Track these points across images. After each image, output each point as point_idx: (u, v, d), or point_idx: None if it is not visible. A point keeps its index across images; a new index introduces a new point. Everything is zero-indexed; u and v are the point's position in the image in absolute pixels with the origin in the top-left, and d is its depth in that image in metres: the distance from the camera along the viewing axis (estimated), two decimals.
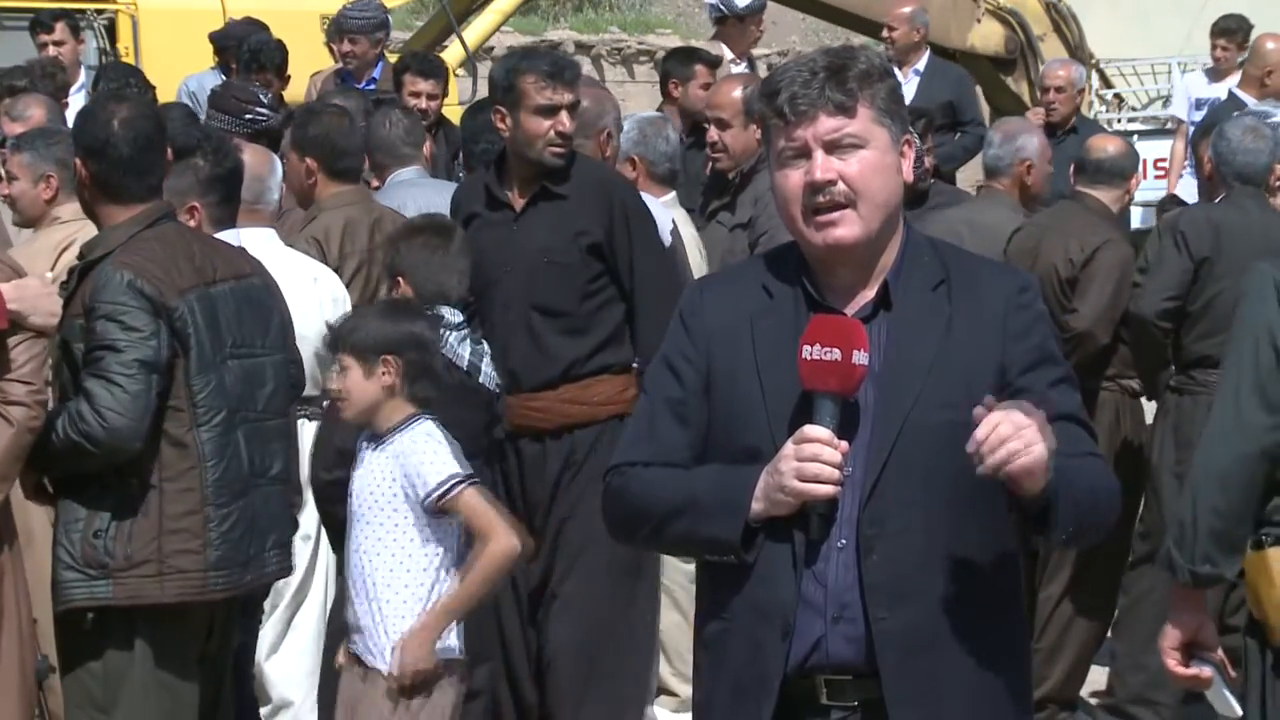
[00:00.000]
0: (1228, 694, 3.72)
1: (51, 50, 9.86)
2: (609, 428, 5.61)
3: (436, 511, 4.59)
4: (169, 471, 4.52)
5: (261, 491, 4.68)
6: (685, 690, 6.72)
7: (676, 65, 9.48)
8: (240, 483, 4.61)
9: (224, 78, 9.50)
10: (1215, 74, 12.09)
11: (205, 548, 4.53)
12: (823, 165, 3.12)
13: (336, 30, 10.04)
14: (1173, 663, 3.70)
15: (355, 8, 9.89)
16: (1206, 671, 3.72)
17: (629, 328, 5.76)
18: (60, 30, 10.10)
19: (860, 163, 3.13)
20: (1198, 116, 11.26)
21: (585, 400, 5.64)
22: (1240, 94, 10.66)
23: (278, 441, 4.76)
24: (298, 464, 5.08)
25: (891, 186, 3.17)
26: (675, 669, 6.71)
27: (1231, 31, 11.95)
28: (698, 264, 6.66)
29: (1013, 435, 2.93)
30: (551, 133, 5.65)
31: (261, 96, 7.82)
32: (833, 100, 3.11)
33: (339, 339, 4.71)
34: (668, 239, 6.54)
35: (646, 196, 6.61)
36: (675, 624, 6.70)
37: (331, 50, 10.65)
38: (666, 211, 6.61)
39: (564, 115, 5.66)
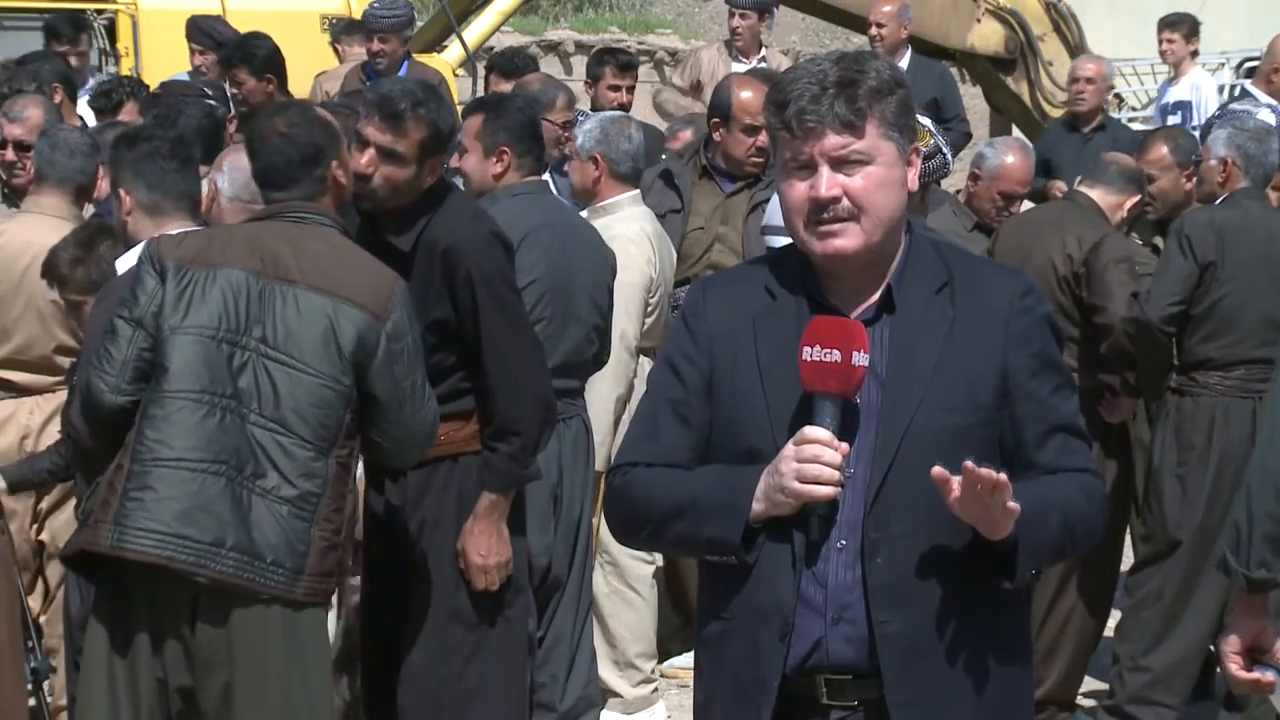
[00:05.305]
0: None
1: (74, 61, 9.89)
2: (440, 468, 5.20)
3: None
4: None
5: (240, 491, 4.41)
6: (631, 692, 6.74)
7: (591, 65, 9.50)
8: (194, 459, 4.39)
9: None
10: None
11: (115, 499, 4.39)
12: (828, 182, 3.11)
13: (364, 29, 10.03)
14: (1234, 667, 3.67)
15: (384, 6, 9.87)
16: (1269, 676, 3.69)
17: (470, 379, 5.20)
18: (84, 41, 10.11)
19: (865, 178, 3.12)
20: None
21: None
22: (1253, 90, 10.69)
23: (288, 461, 4.47)
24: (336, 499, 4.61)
25: (896, 200, 3.17)
26: (621, 671, 6.73)
27: (1175, 24, 11.96)
28: (640, 260, 6.69)
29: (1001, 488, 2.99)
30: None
31: (206, 89, 7.79)
32: (841, 118, 3.10)
33: None
34: (638, 241, 6.65)
35: (617, 199, 6.68)
36: (626, 624, 6.73)
37: (336, 50, 10.64)
38: (634, 212, 6.73)
39: (367, 154, 5.10)
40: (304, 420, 4.51)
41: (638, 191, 6.88)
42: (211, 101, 7.83)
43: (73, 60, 9.86)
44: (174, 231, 4.82)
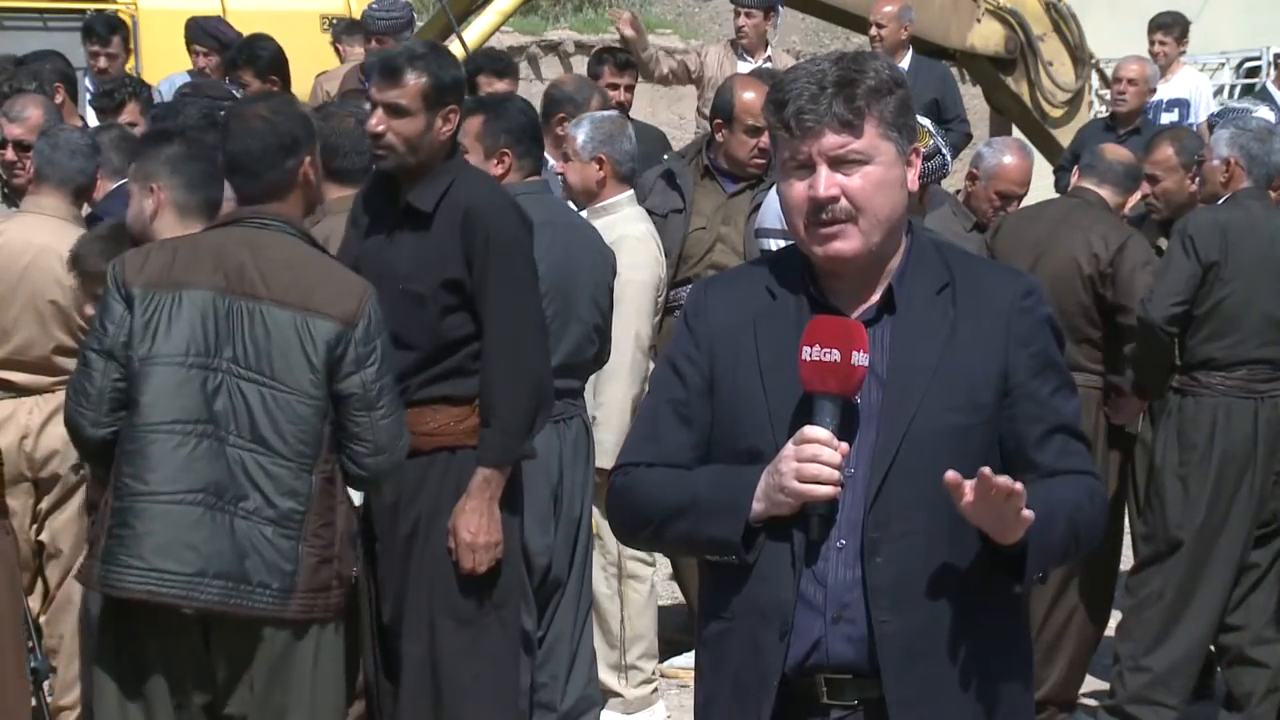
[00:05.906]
0: None
1: (103, 62, 9.88)
2: (438, 460, 5.23)
3: None
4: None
5: (220, 517, 4.42)
6: (632, 692, 6.74)
7: (591, 64, 9.51)
8: (169, 491, 4.40)
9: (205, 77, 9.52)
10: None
11: (102, 537, 4.44)
12: (826, 181, 3.11)
13: (363, 32, 10.01)
14: None
15: (382, 8, 9.86)
16: None
17: (476, 357, 5.24)
18: (116, 44, 10.10)
19: (864, 178, 3.12)
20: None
21: (413, 430, 4.91)
22: (1273, 89, 10.70)
23: (269, 481, 4.47)
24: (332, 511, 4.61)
25: (895, 200, 3.17)
26: (622, 672, 6.73)
27: (1168, 26, 11.97)
28: (649, 259, 6.70)
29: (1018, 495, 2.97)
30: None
31: (234, 92, 7.77)
32: (839, 117, 3.10)
33: None
34: (645, 241, 6.68)
35: (616, 199, 6.68)
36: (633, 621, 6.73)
37: (338, 50, 10.63)
38: (634, 212, 6.76)
39: (376, 113, 5.25)
40: (282, 438, 4.50)
41: (634, 191, 6.89)
42: None
43: (103, 61, 9.85)
44: (135, 249, 4.72)
